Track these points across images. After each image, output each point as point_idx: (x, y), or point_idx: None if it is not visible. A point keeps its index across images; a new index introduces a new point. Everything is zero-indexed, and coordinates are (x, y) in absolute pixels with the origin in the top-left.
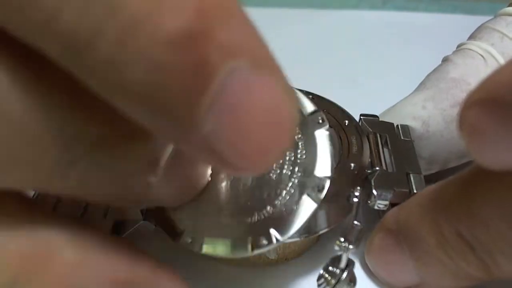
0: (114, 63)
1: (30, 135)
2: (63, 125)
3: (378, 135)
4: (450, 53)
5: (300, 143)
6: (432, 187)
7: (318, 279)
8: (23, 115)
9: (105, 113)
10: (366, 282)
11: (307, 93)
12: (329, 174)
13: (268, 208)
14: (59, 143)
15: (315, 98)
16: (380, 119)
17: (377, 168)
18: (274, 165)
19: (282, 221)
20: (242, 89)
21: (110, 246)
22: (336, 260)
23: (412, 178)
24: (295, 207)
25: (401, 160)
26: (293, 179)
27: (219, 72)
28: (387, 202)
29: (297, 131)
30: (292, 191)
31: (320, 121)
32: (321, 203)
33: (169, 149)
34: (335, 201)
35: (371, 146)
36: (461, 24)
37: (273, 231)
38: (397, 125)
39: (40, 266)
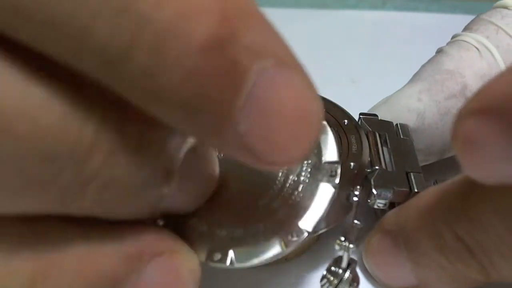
0: (150, 73)
1: (45, 150)
2: (81, 136)
3: (377, 134)
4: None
5: (301, 186)
6: (432, 189)
7: (321, 280)
8: (39, 128)
9: (119, 123)
10: (366, 282)
11: None
12: (338, 159)
13: (289, 202)
14: (76, 157)
15: None
16: (374, 111)
17: (377, 167)
18: (268, 192)
19: (305, 213)
20: (270, 87)
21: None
22: (338, 261)
23: (412, 177)
24: (314, 197)
25: (400, 159)
26: (304, 171)
27: (250, 73)
28: (386, 201)
29: (306, 170)
30: (307, 181)
31: (332, 174)
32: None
33: (181, 158)
34: (334, 200)
35: (370, 145)
36: (461, 24)
37: (302, 224)
38: (396, 124)
39: (55, 261)
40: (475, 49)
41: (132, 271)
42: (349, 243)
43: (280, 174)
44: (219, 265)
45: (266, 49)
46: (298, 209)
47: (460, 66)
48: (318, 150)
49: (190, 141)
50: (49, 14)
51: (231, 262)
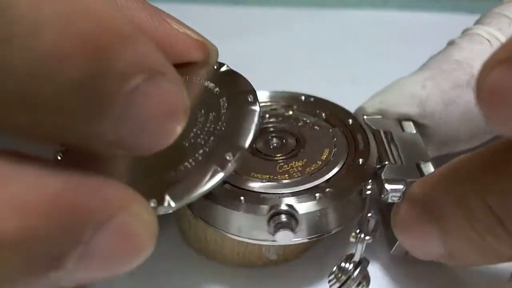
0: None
1: None
2: None
3: (383, 132)
4: None
5: (223, 117)
6: (461, 158)
7: (329, 275)
8: None
9: None
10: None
11: (308, 96)
12: (244, 145)
13: (215, 133)
14: None
15: (317, 100)
16: (378, 96)
17: (386, 163)
18: (191, 133)
19: (235, 135)
20: (142, 98)
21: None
22: (350, 257)
23: (423, 167)
24: (240, 121)
25: (409, 152)
26: (204, 148)
27: (119, 97)
28: (400, 194)
29: (222, 104)
30: (228, 111)
31: (250, 99)
32: (334, 201)
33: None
34: (347, 198)
35: (377, 142)
36: (463, 23)
37: (235, 143)
38: (401, 121)
39: None
40: (487, 41)
41: (77, 238)
42: (364, 235)
43: (199, 115)
44: (158, 210)
45: (137, 68)
46: (226, 135)
47: (470, 57)
48: (231, 83)
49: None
50: None
51: (169, 204)
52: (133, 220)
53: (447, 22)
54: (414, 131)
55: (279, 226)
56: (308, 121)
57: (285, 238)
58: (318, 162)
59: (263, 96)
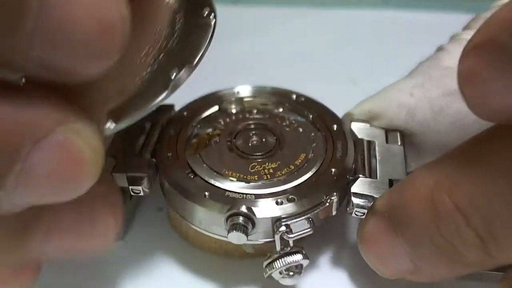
0: None
1: None
2: None
3: (366, 142)
4: None
5: (176, 33)
6: (426, 165)
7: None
8: None
9: None
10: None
11: (300, 95)
12: (192, 62)
13: (166, 50)
14: None
15: (307, 100)
16: (365, 103)
17: (359, 176)
18: (143, 51)
19: (185, 50)
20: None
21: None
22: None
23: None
24: (192, 36)
25: (387, 166)
26: (153, 66)
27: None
28: (365, 211)
29: (177, 19)
30: (147, 77)
31: (205, 13)
32: (294, 209)
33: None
34: (314, 205)
35: (357, 152)
36: (463, 22)
37: (183, 60)
38: (387, 131)
39: None
40: None
41: (13, 155)
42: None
43: (154, 32)
44: (106, 131)
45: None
46: (176, 51)
47: None
48: (181, 49)
49: None
50: None
51: (110, 124)
52: (73, 136)
53: (448, 21)
54: (399, 143)
55: (234, 227)
56: (293, 121)
57: (237, 239)
58: (291, 166)
59: (255, 91)
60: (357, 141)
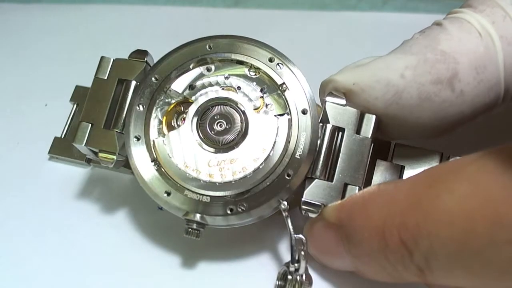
0: None
1: None
2: None
3: (333, 131)
4: None
5: None
6: (379, 186)
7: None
8: None
9: None
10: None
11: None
12: None
13: None
14: None
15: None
16: (350, 73)
17: (316, 177)
18: None
19: None
20: None
21: None
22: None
23: (348, 190)
24: None
25: (347, 166)
26: None
27: None
28: (316, 215)
29: None
30: None
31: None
32: (244, 219)
33: None
34: (259, 215)
35: (320, 148)
36: None
37: None
38: (361, 114)
39: None
40: (477, 34)
41: None
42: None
43: None
44: None
45: None
46: None
47: (457, 50)
48: None
49: None
50: None
51: None
52: None
53: None
54: (371, 132)
55: (186, 231)
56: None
57: (190, 237)
58: (247, 168)
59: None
60: (325, 130)
